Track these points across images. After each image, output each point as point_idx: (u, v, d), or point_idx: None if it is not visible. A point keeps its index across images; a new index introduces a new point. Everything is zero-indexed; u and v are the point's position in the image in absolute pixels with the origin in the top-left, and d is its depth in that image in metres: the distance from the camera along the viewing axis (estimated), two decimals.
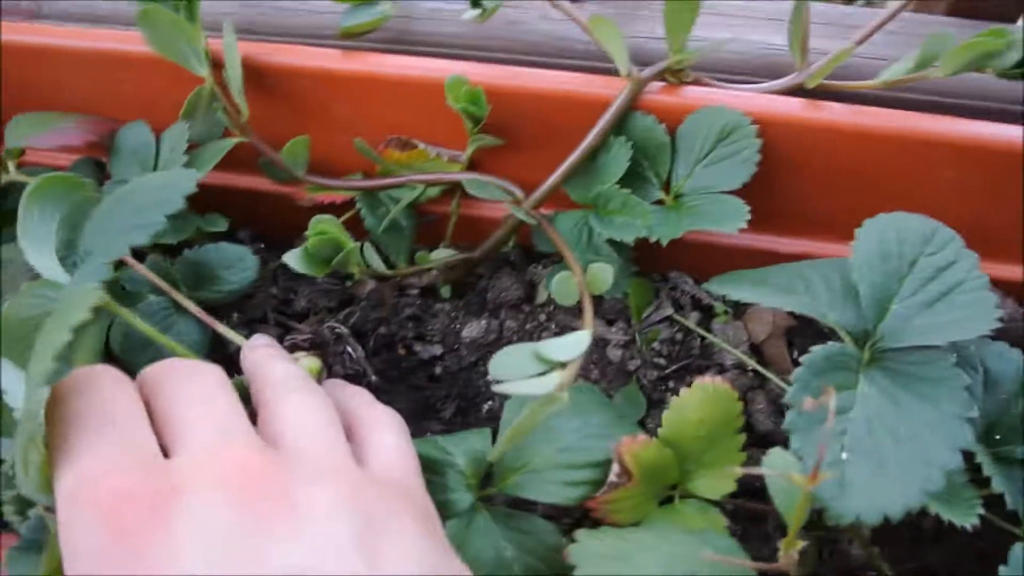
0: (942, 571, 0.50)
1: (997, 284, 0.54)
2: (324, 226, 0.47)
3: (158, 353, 0.48)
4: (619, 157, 0.49)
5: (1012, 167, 0.50)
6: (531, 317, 0.58)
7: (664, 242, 0.47)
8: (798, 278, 0.45)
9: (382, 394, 0.48)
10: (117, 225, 0.41)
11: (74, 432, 0.32)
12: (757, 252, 0.56)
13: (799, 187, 0.53)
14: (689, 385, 0.45)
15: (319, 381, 0.45)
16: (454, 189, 0.57)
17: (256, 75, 0.53)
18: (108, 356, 0.49)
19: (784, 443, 0.40)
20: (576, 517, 0.48)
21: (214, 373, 0.37)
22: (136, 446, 0.32)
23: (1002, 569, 0.36)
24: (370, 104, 0.53)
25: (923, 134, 0.49)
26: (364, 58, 0.52)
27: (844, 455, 0.38)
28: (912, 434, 0.38)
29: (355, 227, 0.53)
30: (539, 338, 0.57)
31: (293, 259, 0.48)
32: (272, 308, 0.58)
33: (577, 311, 0.57)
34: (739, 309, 0.59)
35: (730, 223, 0.46)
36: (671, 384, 0.56)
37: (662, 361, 0.56)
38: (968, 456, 0.39)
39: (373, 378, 0.54)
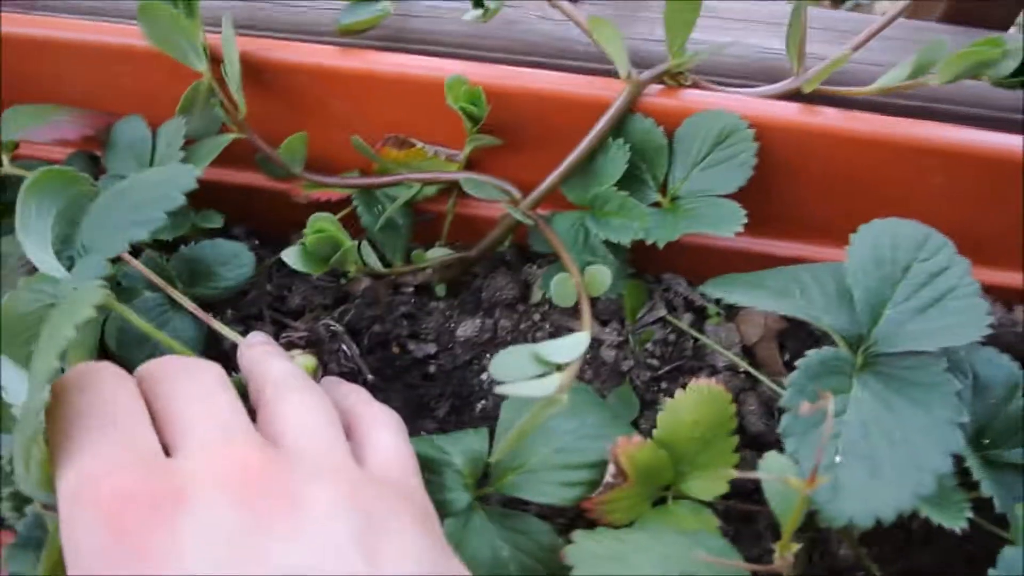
0: (931, 573, 0.50)
1: (990, 290, 0.55)
2: (322, 224, 0.47)
3: (154, 349, 0.48)
4: (617, 159, 0.49)
5: (1006, 174, 0.50)
6: (525, 317, 0.58)
7: (660, 245, 0.47)
8: (793, 282, 0.46)
9: (376, 392, 0.48)
10: (116, 221, 0.41)
11: (76, 430, 0.32)
12: (752, 255, 0.57)
13: (795, 191, 0.53)
14: (682, 386, 0.45)
15: (315, 379, 0.45)
16: (451, 188, 0.57)
17: (254, 71, 0.53)
18: (103, 352, 0.49)
19: (775, 444, 0.40)
20: (570, 517, 0.48)
21: (213, 371, 0.37)
22: (138, 444, 0.32)
23: (991, 572, 0.37)
24: (368, 102, 0.53)
25: (918, 140, 0.49)
26: (363, 56, 0.52)
27: (838, 458, 0.38)
28: (905, 438, 0.38)
29: (351, 224, 0.53)
30: (533, 338, 0.57)
31: (291, 257, 0.48)
32: (267, 305, 0.58)
33: (571, 311, 0.57)
34: (731, 311, 0.59)
35: (726, 227, 0.46)
36: (664, 385, 0.56)
37: (655, 362, 0.57)
38: (957, 460, 0.40)
39: (369, 376, 0.54)
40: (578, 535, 0.39)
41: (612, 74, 0.50)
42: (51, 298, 0.40)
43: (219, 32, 0.50)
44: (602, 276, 0.47)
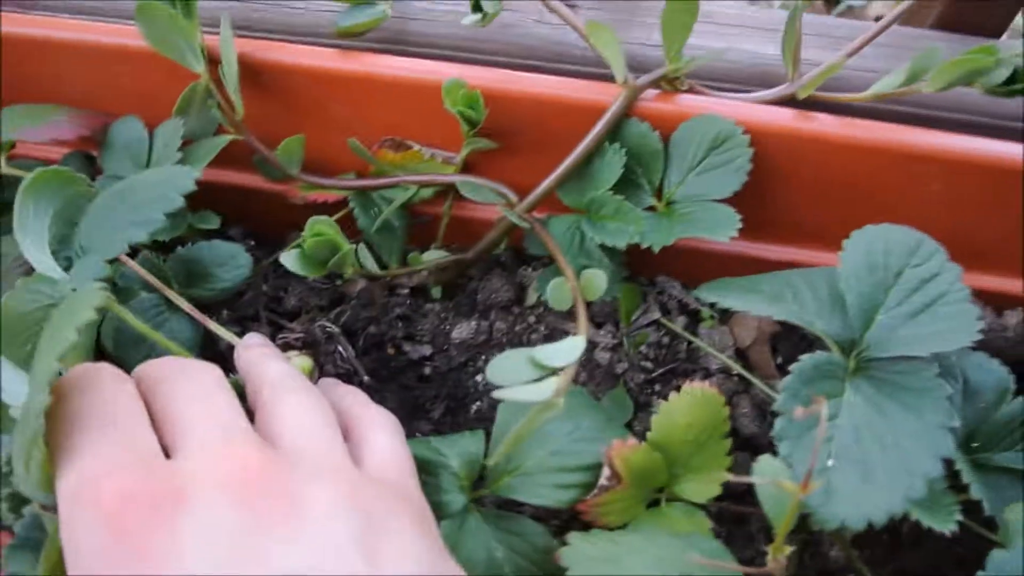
0: (921, 575, 0.51)
1: (982, 295, 0.56)
2: (321, 228, 0.47)
3: (150, 350, 0.48)
4: (613, 163, 0.50)
5: (999, 181, 0.51)
6: (520, 319, 0.58)
7: (656, 249, 0.47)
8: (786, 287, 0.46)
9: (372, 393, 0.48)
10: (115, 222, 0.41)
11: (76, 431, 0.32)
12: (747, 259, 0.57)
13: (789, 196, 0.53)
14: (675, 388, 0.46)
15: (312, 380, 0.45)
16: (447, 191, 0.57)
17: (252, 72, 0.53)
18: (99, 352, 0.49)
19: (768, 446, 0.40)
20: (565, 519, 0.48)
21: (212, 371, 0.38)
22: (137, 445, 0.32)
23: (980, 574, 0.37)
24: (366, 104, 0.54)
25: (911, 147, 0.50)
26: (361, 58, 0.53)
27: (830, 462, 0.38)
28: (896, 442, 0.39)
29: (347, 226, 0.53)
30: (529, 340, 0.57)
31: (289, 260, 0.48)
32: (263, 306, 0.58)
33: (566, 313, 0.58)
34: (725, 314, 0.60)
35: (721, 231, 0.47)
36: (657, 387, 0.56)
37: (649, 364, 0.57)
38: (948, 463, 0.40)
39: (364, 377, 0.55)
40: (572, 537, 0.40)
41: (609, 78, 0.50)
42: (49, 298, 0.41)
43: (217, 33, 0.50)
44: (598, 280, 0.47)
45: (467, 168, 0.55)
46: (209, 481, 0.31)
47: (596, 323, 0.58)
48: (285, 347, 0.49)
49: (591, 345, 0.57)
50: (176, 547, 0.29)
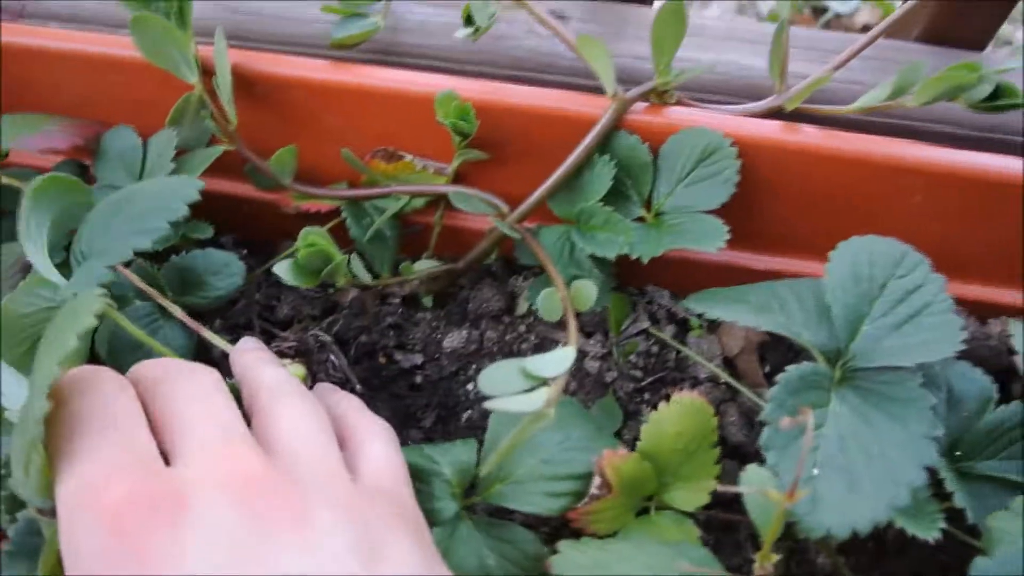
0: None
1: (966, 304, 0.56)
2: (313, 238, 0.47)
3: (145, 357, 0.48)
4: (603, 175, 0.50)
5: (983, 192, 0.51)
6: (511, 328, 0.59)
7: (645, 259, 0.48)
8: (773, 298, 0.47)
9: (364, 401, 0.49)
10: (117, 229, 0.41)
11: (75, 435, 0.32)
12: (735, 269, 0.58)
13: (777, 207, 0.54)
14: (664, 397, 0.46)
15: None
16: (439, 201, 0.58)
17: (245, 83, 0.54)
18: (93, 358, 0.49)
19: (756, 455, 0.41)
20: (555, 527, 0.49)
21: (210, 373, 0.38)
22: (137, 448, 0.33)
23: None
24: (358, 115, 0.54)
25: (895, 159, 0.51)
26: (353, 70, 0.53)
27: (816, 471, 0.39)
28: (881, 452, 0.39)
29: (339, 236, 0.53)
30: (519, 349, 0.58)
31: (282, 271, 0.48)
32: (256, 315, 0.58)
33: (556, 322, 0.58)
34: (713, 323, 0.61)
35: (709, 242, 0.48)
36: (647, 396, 0.57)
37: (638, 373, 0.58)
38: (932, 471, 0.41)
39: (357, 386, 0.55)
40: (563, 545, 0.40)
41: (598, 90, 0.51)
42: (49, 302, 0.41)
43: (211, 44, 0.51)
44: (588, 291, 0.48)
45: (459, 179, 0.56)
46: (209, 483, 0.31)
47: (586, 332, 0.59)
48: (278, 355, 0.50)
49: (581, 354, 0.58)
50: (177, 549, 0.29)
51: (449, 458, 0.45)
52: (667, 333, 0.59)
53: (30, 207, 0.41)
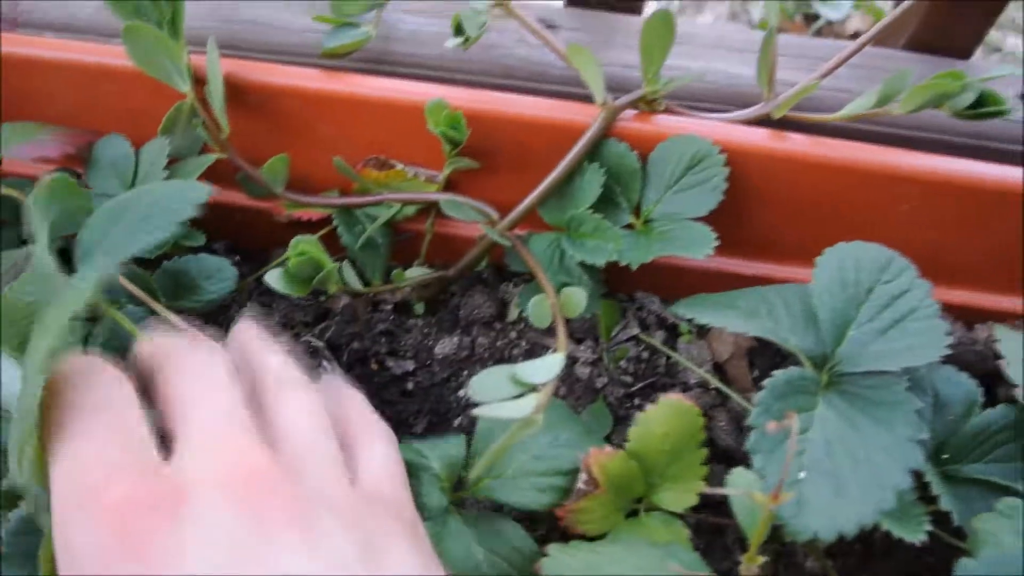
0: None
1: (952, 309, 0.57)
2: (304, 247, 0.48)
3: None
4: (592, 182, 0.51)
5: (969, 199, 0.52)
6: (502, 335, 0.59)
7: (634, 266, 0.49)
8: (761, 303, 0.47)
9: None
10: (123, 229, 0.41)
11: (71, 425, 0.31)
12: (723, 275, 0.58)
13: (764, 214, 0.55)
14: (654, 402, 0.47)
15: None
16: (430, 208, 0.58)
17: (238, 92, 0.54)
18: None
19: (745, 459, 0.41)
20: (546, 529, 0.49)
21: (215, 352, 0.37)
22: (135, 441, 0.32)
23: None
24: (350, 124, 0.55)
25: (882, 167, 0.51)
26: (345, 79, 0.54)
27: (803, 475, 0.40)
28: (867, 455, 0.40)
29: (331, 243, 0.54)
30: (510, 355, 0.58)
31: (274, 279, 0.49)
32: None
33: (547, 329, 0.59)
34: (703, 329, 0.61)
35: (698, 249, 0.48)
36: (637, 401, 0.57)
37: (628, 379, 0.58)
38: (918, 475, 0.42)
39: None
40: (552, 548, 0.40)
41: (588, 98, 0.52)
42: (50, 294, 0.41)
43: (203, 53, 0.51)
44: (577, 298, 0.48)
45: (449, 186, 0.56)
46: (209, 479, 0.31)
47: (576, 339, 0.59)
48: None
49: (571, 360, 0.58)
50: (176, 548, 0.28)
51: (438, 453, 0.45)
52: (657, 339, 0.60)
53: (36, 205, 0.41)
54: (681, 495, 0.46)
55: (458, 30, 0.51)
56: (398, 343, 0.59)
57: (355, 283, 0.56)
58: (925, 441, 0.40)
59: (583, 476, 0.44)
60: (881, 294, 0.45)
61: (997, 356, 0.48)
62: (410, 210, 0.58)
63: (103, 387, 0.34)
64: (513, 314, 0.60)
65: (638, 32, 0.49)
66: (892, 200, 0.53)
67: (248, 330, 0.42)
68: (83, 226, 0.43)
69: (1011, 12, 1.35)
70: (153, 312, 0.50)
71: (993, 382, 0.54)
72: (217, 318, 0.58)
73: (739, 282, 0.54)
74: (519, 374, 0.39)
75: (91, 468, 0.30)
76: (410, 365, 0.58)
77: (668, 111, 0.53)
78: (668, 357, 0.59)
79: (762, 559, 0.37)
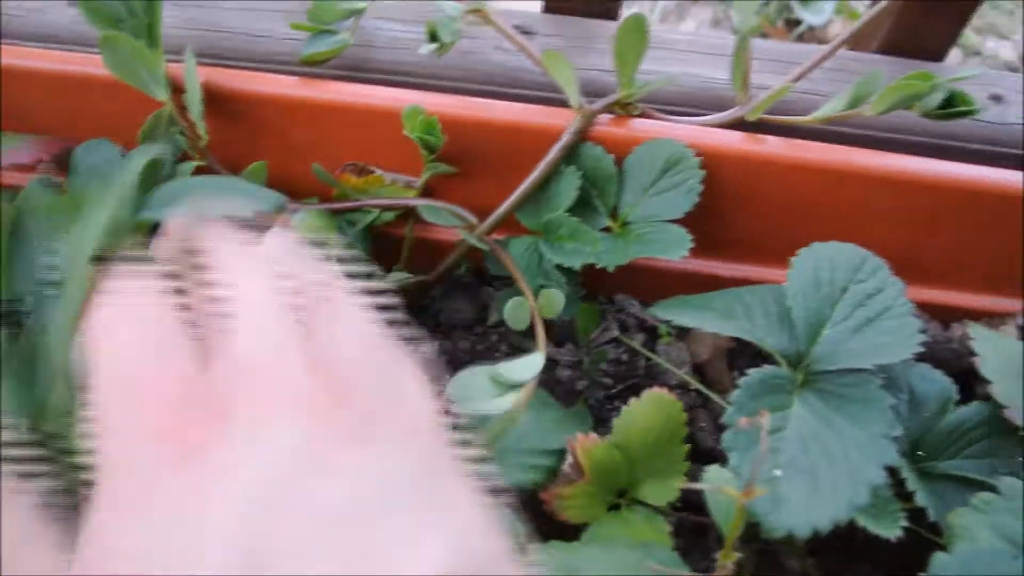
0: None
1: (926, 308, 0.58)
2: None
3: None
4: (569, 186, 0.51)
5: (942, 199, 0.53)
6: (483, 338, 0.59)
7: (611, 268, 0.49)
8: (738, 304, 0.48)
9: None
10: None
11: (111, 329, 0.29)
12: (701, 277, 0.59)
13: (740, 216, 0.55)
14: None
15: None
16: (409, 214, 0.58)
17: (216, 100, 0.54)
18: None
19: (725, 459, 0.42)
20: (532, 514, 0.49)
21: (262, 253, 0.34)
22: (179, 347, 0.29)
23: None
24: (328, 130, 0.55)
25: (854, 167, 0.52)
26: (323, 86, 0.54)
27: (778, 472, 0.40)
28: (842, 452, 0.40)
29: None
30: (491, 358, 0.58)
31: None
32: None
33: (528, 332, 0.59)
34: (682, 331, 0.61)
35: (673, 251, 0.48)
36: (617, 403, 0.58)
37: (608, 381, 0.58)
38: (894, 472, 0.42)
39: None
40: (530, 549, 0.41)
41: (565, 103, 0.52)
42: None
43: (182, 61, 0.51)
44: (555, 299, 0.48)
45: (428, 192, 0.57)
46: (263, 396, 0.28)
47: (557, 342, 0.60)
48: None
49: (552, 363, 0.58)
50: (229, 462, 0.26)
51: None
52: (637, 341, 0.60)
53: None
54: (663, 489, 0.47)
55: (432, 37, 0.51)
56: None
57: None
58: (899, 438, 0.41)
59: (569, 459, 0.44)
60: (855, 293, 0.46)
61: (972, 353, 0.49)
62: (389, 216, 0.58)
63: (144, 288, 0.31)
64: (493, 317, 0.60)
65: (614, 37, 0.50)
66: (866, 201, 0.53)
67: (283, 241, 0.37)
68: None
69: (991, 17, 1.37)
70: None
71: (969, 380, 0.55)
72: None
73: (717, 284, 0.54)
74: (500, 373, 0.39)
75: (132, 372, 0.28)
76: None
77: (644, 115, 0.54)
78: (648, 359, 0.59)
79: (737, 555, 0.37)
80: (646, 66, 0.51)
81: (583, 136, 0.52)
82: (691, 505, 0.51)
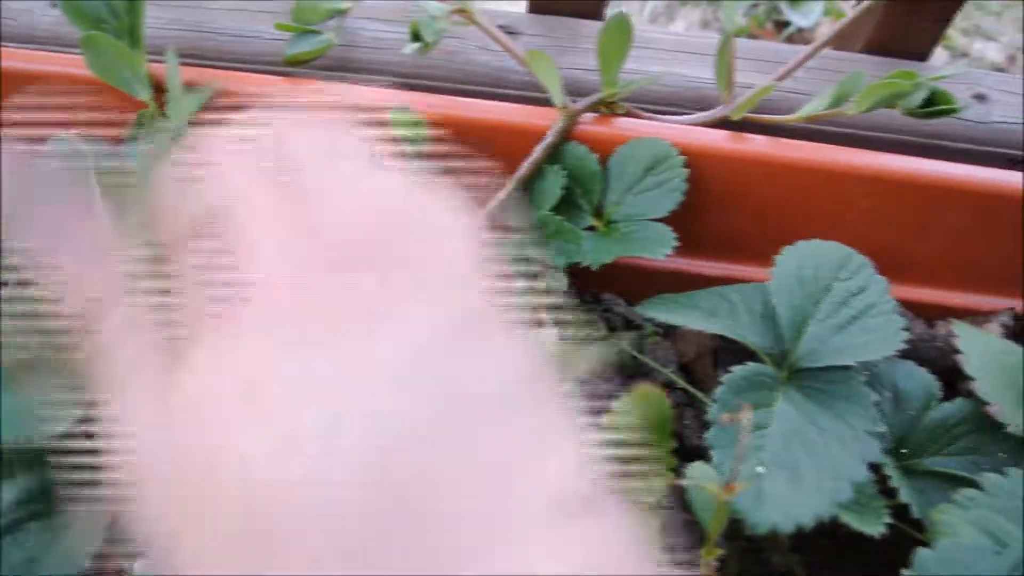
0: None
1: (910, 306, 0.58)
2: None
3: None
4: (553, 185, 0.51)
5: (926, 197, 0.53)
6: None
7: (595, 267, 0.49)
8: (722, 302, 0.48)
9: None
10: None
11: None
12: (687, 276, 0.59)
13: (724, 214, 0.55)
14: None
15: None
16: None
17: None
18: None
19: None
20: None
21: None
22: None
23: (904, 572, 0.39)
24: None
25: (838, 166, 0.52)
26: (307, 85, 0.54)
27: (762, 468, 0.40)
28: (825, 449, 0.40)
29: None
30: None
31: None
32: None
33: None
34: (668, 330, 0.61)
35: (658, 249, 0.49)
36: (606, 401, 0.58)
37: (597, 380, 0.58)
38: (878, 468, 0.42)
39: None
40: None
41: (549, 102, 0.52)
42: None
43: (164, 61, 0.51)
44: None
45: None
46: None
47: None
48: None
49: None
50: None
51: None
52: (625, 340, 0.60)
53: None
54: (651, 484, 0.47)
55: (416, 36, 0.51)
56: None
57: None
58: (883, 434, 0.41)
59: None
60: (839, 291, 0.46)
61: (956, 351, 0.49)
62: None
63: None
64: None
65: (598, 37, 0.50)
66: (850, 199, 0.53)
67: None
68: None
69: (977, 19, 1.37)
70: None
71: (953, 377, 0.55)
72: None
73: (703, 283, 0.54)
74: None
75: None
76: None
77: (628, 114, 0.54)
78: (634, 358, 0.59)
79: (720, 551, 0.37)
80: (631, 65, 0.51)
81: (567, 135, 0.52)
82: (679, 501, 0.51)
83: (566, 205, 0.52)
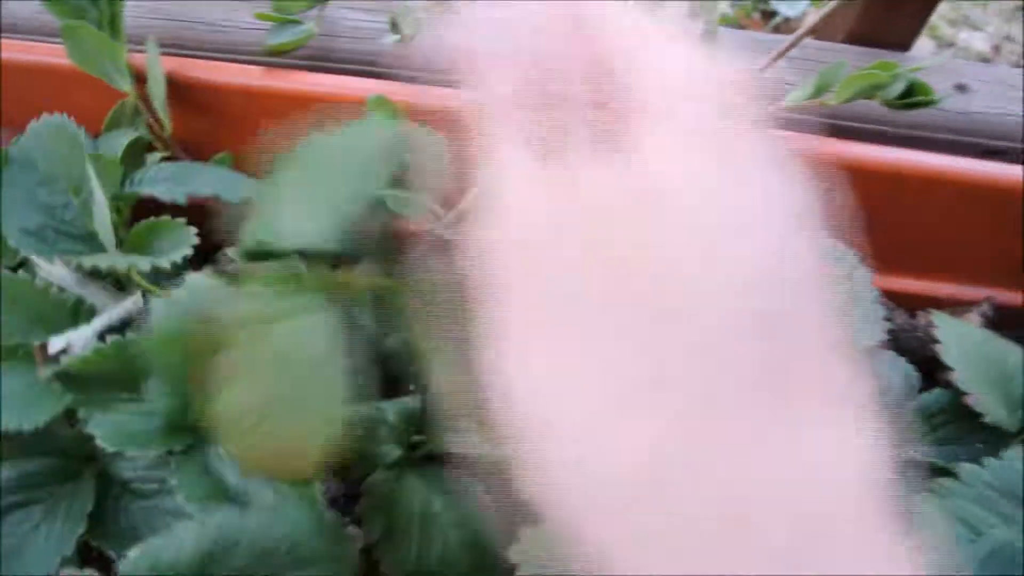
0: None
1: (892, 296, 0.58)
2: None
3: None
4: None
5: (910, 188, 0.53)
6: None
7: None
8: None
9: None
10: None
11: None
12: None
13: None
14: None
15: None
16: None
17: (180, 90, 0.54)
18: None
19: None
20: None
21: None
22: None
23: None
24: (292, 120, 0.54)
25: (821, 156, 0.52)
26: (287, 75, 0.54)
27: None
28: None
29: None
30: None
31: None
32: None
33: None
34: None
35: None
36: None
37: None
38: None
39: None
40: (524, 534, 0.40)
41: None
42: None
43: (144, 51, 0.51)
44: None
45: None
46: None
47: None
48: None
49: None
50: None
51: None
52: None
53: None
54: None
55: (393, 28, 0.51)
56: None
57: None
58: None
59: None
60: None
61: (935, 341, 0.49)
62: None
63: None
64: None
65: None
66: (830, 189, 0.53)
67: None
68: None
69: (965, 9, 1.38)
70: None
71: (932, 367, 0.55)
72: None
73: None
74: None
75: None
76: None
77: None
78: None
79: None
80: None
81: None
82: None
83: None
